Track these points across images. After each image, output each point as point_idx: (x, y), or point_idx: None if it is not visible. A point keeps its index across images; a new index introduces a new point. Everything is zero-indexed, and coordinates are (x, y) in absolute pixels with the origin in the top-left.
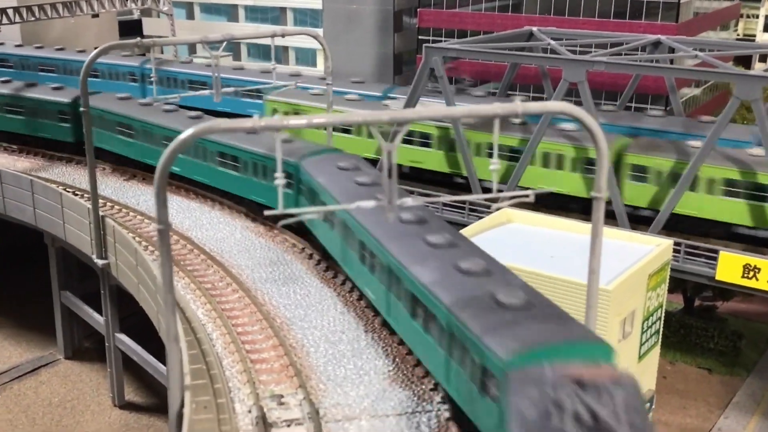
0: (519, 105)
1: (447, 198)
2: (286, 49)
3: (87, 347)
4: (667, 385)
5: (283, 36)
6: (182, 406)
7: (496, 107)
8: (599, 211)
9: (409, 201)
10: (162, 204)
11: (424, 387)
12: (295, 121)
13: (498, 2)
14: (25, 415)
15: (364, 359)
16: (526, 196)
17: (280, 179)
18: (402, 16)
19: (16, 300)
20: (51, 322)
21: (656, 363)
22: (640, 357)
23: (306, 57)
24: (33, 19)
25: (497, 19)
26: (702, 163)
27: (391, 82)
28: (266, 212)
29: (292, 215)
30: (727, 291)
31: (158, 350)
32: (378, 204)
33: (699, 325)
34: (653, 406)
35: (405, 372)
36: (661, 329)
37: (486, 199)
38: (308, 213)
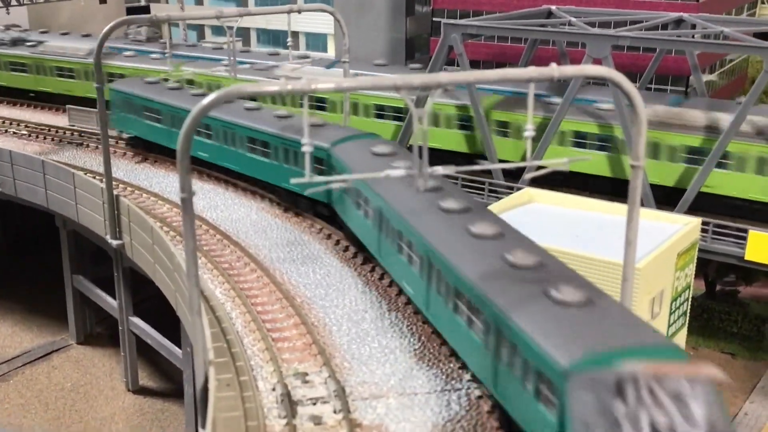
0: (555, 69)
1: (477, 167)
2: (296, 34)
3: (99, 332)
4: None
5: (299, 12)
6: (206, 381)
7: (531, 71)
8: (637, 179)
9: (440, 169)
10: (185, 171)
11: (452, 366)
12: (323, 84)
13: None
14: (38, 400)
15: (388, 338)
16: (563, 164)
17: (307, 146)
18: (414, 1)
19: (27, 284)
20: (63, 306)
21: (683, 345)
22: (668, 338)
23: (317, 42)
24: (42, 1)
25: None
26: None
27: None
28: (293, 180)
29: (320, 183)
30: (750, 275)
31: (172, 333)
32: (408, 172)
33: (722, 309)
34: None
35: (432, 350)
36: (689, 311)
37: (517, 169)
38: (336, 181)
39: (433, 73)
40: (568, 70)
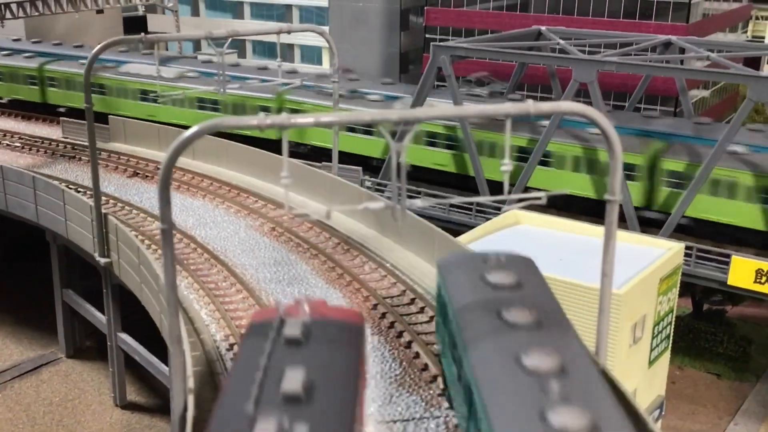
0: (531, 105)
1: (457, 200)
2: (291, 46)
3: (88, 346)
4: (676, 390)
5: (289, 32)
6: (185, 409)
7: (508, 107)
8: (613, 213)
9: (417, 203)
10: (165, 203)
11: (431, 392)
12: (302, 119)
13: (506, 1)
14: (26, 414)
15: (370, 362)
16: (538, 198)
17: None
18: (409, 15)
19: (17, 298)
20: (52, 320)
21: (666, 368)
22: (651, 362)
23: (312, 55)
24: (37, 14)
25: (505, 18)
26: None
27: (398, 81)
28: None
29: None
30: (736, 296)
31: (160, 350)
32: (387, 205)
33: (708, 329)
34: (663, 413)
35: (413, 376)
36: (672, 334)
37: (496, 201)
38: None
39: (411, 109)
40: (544, 107)
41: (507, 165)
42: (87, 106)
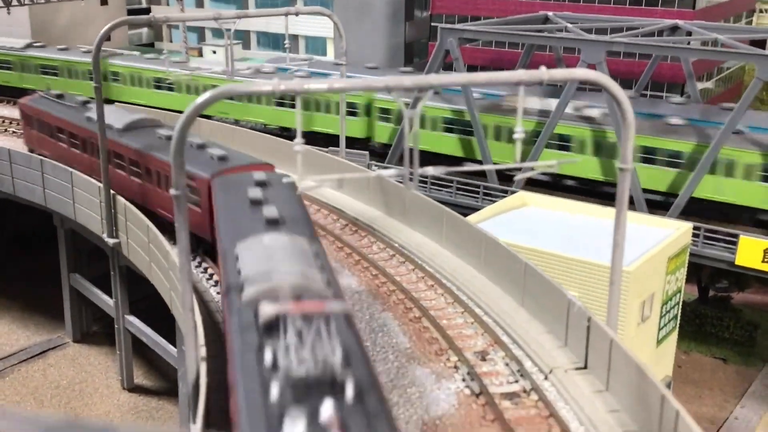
0: (545, 72)
1: (469, 168)
2: (295, 37)
3: (95, 330)
4: (682, 374)
5: (297, 14)
6: (198, 377)
7: (521, 73)
8: (624, 182)
9: (430, 170)
10: (179, 170)
11: (441, 365)
12: (315, 85)
13: None
14: (33, 398)
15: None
16: (551, 166)
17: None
18: (413, 6)
19: (24, 282)
20: (59, 304)
21: (674, 349)
22: (658, 342)
23: (316, 45)
24: (43, 2)
25: (512, 5)
26: None
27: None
28: None
29: None
30: (742, 281)
31: (167, 332)
32: (399, 172)
33: (714, 314)
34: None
35: (422, 350)
36: (679, 315)
37: (509, 170)
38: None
39: (423, 75)
40: (558, 73)
41: (519, 132)
42: (96, 86)
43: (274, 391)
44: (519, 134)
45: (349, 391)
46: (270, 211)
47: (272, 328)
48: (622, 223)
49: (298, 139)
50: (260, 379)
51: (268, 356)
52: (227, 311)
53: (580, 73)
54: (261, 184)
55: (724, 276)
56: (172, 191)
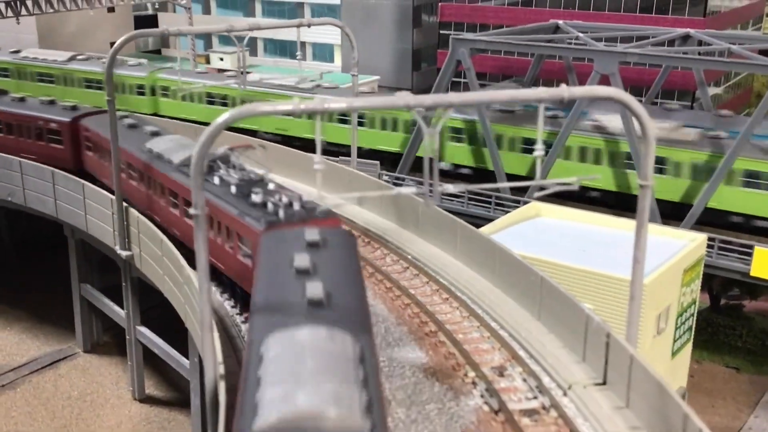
0: (565, 89)
1: (485, 186)
2: (303, 44)
3: (106, 341)
4: (695, 384)
5: (309, 26)
6: (216, 395)
7: (541, 92)
8: (645, 199)
9: (450, 187)
10: (199, 189)
11: (458, 380)
12: (335, 104)
13: None
14: (44, 408)
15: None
16: (570, 184)
17: None
18: (421, 12)
19: (34, 292)
20: (69, 315)
21: (688, 360)
22: (673, 354)
23: (323, 53)
24: (52, 10)
25: (520, 13)
26: None
27: (410, 78)
28: None
29: None
30: (754, 289)
31: (179, 343)
32: (419, 190)
33: (726, 323)
34: None
35: (438, 365)
36: (694, 326)
37: (526, 188)
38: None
39: (444, 94)
40: (577, 91)
41: (539, 150)
42: (108, 99)
43: None
44: (539, 151)
45: None
46: (315, 289)
47: None
48: (642, 238)
49: (318, 157)
50: None
51: None
52: None
53: (601, 90)
54: (313, 246)
55: (735, 285)
56: (192, 210)
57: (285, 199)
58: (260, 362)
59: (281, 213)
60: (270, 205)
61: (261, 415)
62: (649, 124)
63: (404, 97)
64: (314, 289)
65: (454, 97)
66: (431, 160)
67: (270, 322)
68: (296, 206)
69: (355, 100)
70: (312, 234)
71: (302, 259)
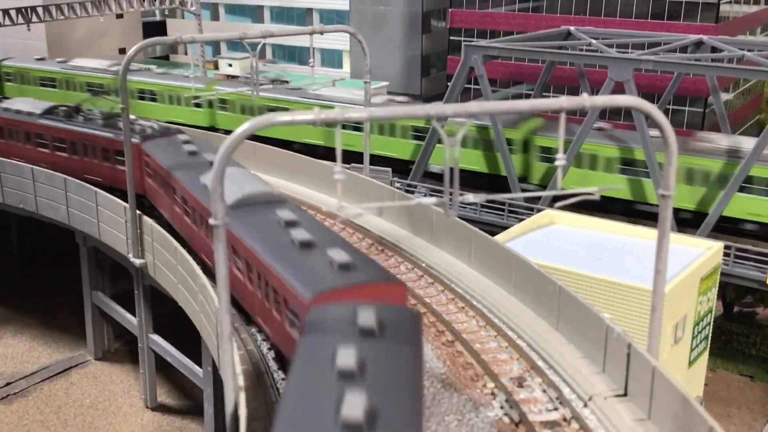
0: (587, 99)
1: (506, 196)
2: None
3: (117, 348)
4: (709, 392)
5: (322, 33)
6: (237, 407)
7: (562, 101)
8: (667, 209)
9: (470, 197)
10: (219, 200)
11: (478, 391)
12: (356, 114)
13: (531, 2)
14: (56, 417)
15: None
16: (591, 194)
17: None
18: (430, 18)
19: (45, 300)
20: (81, 322)
21: (704, 369)
22: (690, 363)
23: (332, 58)
24: (62, 17)
25: (531, 19)
26: None
27: (419, 84)
28: None
29: None
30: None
31: (192, 351)
32: (439, 200)
33: (740, 331)
34: None
35: (457, 375)
36: (710, 335)
37: (546, 198)
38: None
39: (464, 103)
40: (599, 100)
41: (561, 159)
42: (122, 107)
43: None
44: (560, 161)
45: None
46: (353, 407)
47: None
48: (664, 249)
49: (338, 167)
50: None
51: None
52: None
53: (622, 99)
54: (366, 335)
55: (749, 292)
56: (211, 221)
57: (347, 258)
58: None
59: (337, 277)
60: (325, 264)
61: None
62: (672, 133)
63: (425, 108)
64: (353, 406)
65: (474, 106)
66: (452, 170)
67: None
68: (356, 268)
69: (376, 110)
70: (367, 316)
71: (347, 357)
